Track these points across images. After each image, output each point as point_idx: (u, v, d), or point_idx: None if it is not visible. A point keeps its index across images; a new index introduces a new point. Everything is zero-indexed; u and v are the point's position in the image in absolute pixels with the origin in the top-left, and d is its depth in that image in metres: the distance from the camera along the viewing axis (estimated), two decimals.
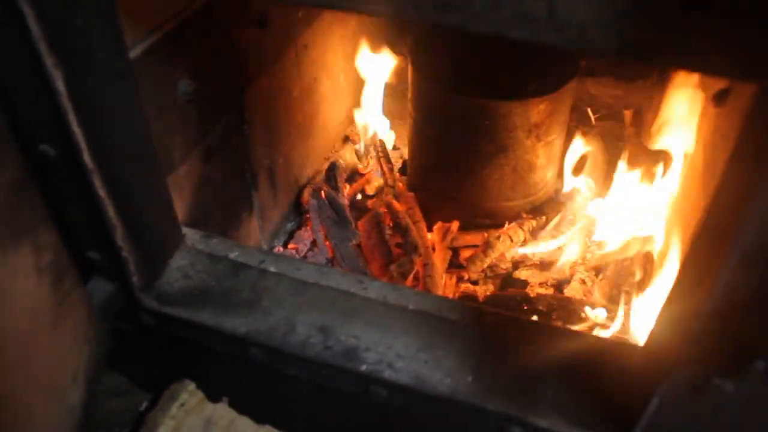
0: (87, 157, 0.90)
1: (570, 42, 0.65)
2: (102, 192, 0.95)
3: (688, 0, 0.57)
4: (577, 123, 2.34)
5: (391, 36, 2.23)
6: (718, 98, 1.30)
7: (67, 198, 0.97)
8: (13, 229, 0.85)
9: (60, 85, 0.83)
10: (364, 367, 1.01)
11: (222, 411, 1.14)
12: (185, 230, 1.21)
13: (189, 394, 1.14)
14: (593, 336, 1.10)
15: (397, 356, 1.02)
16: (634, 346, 1.05)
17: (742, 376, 0.78)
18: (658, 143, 1.65)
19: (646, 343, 0.94)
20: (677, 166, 1.54)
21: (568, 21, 0.63)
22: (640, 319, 1.44)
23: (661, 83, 2.17)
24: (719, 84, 1.25)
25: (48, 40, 0.78)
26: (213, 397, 1.17)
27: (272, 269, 1.16)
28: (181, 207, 1.32)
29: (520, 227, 1.78)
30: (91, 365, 1.04)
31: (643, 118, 2.15)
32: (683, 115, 1.55)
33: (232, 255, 1.19)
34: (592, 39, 0.64)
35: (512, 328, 1.07)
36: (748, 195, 0.64)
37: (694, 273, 0.77)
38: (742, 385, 0.79)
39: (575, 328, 1.45)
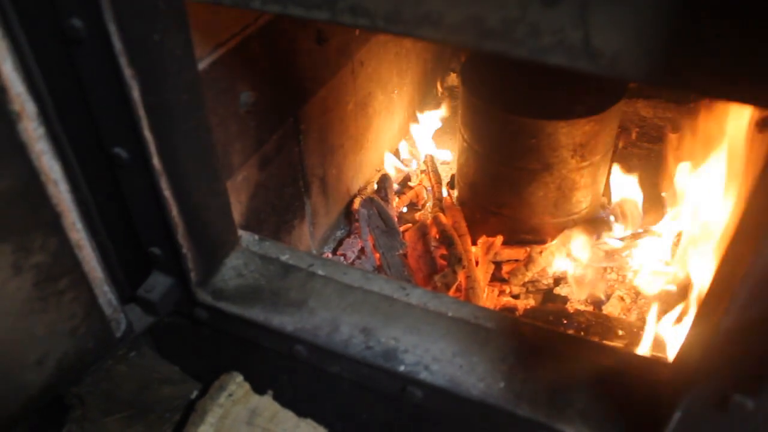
0: (156, 161, 0.98)
1: (603, 69, 0.69)
2: (167, 193, 1.02)
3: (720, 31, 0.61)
4: (626, 145, 2.36)
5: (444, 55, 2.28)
6: (763, 124, 1.32)
7: (134, 197, 1.05)
8: None
9: (135, 94, 0.91)
10: (402, 368, 1.06)
11: (266, 403, 1.20)
12: (241, 232, 1.28)
13: (236, 385, 1.21)
14: (624, 351, 1.13)
15: (433, 359, 1.07)
16: (664, 363, 1.07)
17: (762, 395, 0.80)
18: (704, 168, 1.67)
19: (675, 359, 0.97)
20: (721, 191, 1.55)
21: (602, 50, 0.68)
22: (674, 338, 1.46)
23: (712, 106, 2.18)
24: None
25: (128, 54, 0.86)
26: (258, 389, 1.23)
27: (320, 272, 1.22)
28: (237, 210, 1.40)
29: (563, 244, 1.81)
30: (72, 355, 1.10)
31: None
32: (729, 139, 1.56)
33: (284, 257, 1.25)
34: (624, 67, 0.68)
35: (545, 339, 1.10)
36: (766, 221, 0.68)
37: (717, 290, 0.80)
38: (763, 404, 0.81)
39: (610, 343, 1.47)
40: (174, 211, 1.05)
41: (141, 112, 0.93)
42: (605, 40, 0.67)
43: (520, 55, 0.72)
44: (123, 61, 0.87)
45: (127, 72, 0.88)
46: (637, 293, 1.74)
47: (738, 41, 0.60)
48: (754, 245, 0.69)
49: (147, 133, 0.95)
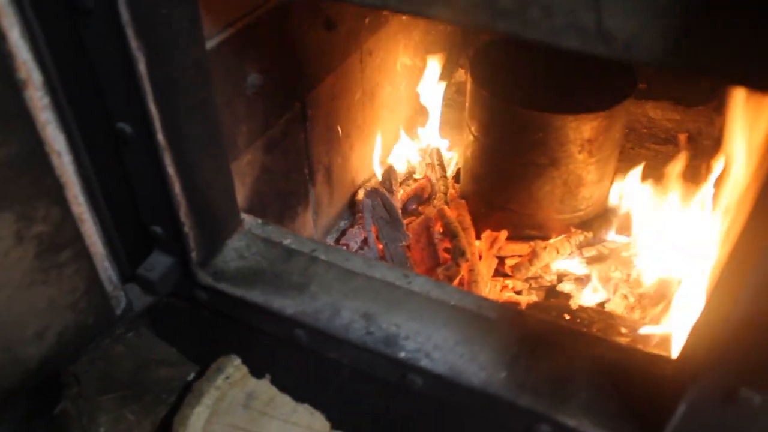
0: (160, 136, 0.97)
1: (616, 52, 0.68)
2: (171, 170, 1.01)
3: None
4: (633, 145, 2.35)
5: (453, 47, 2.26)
6: None
7: (138, 173, 1.05)
8: None
9: (142, 67, 0.90)
10: (402, 354, 1.05)
11: (264, 387, 1.19)
12: (244, 215, 1.27)
13: (234, 368, 1.20)
14: (628, 346, 1.12)
15: (435, 347, 1.06)
16: (668, 358, 1.06)
17: None
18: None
19: (680, 352, 0.96)
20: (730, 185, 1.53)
21: (615, 33, 0.67)
22: (678, 334, 1.44)
23: (722, 108, 2.17)
24: None
25: (135, 26, 0.85)
26: (256, 373, 1.22)
27: (323, 257, 1.21)
28: (241, 193, 1.39)
29: (568, 240, 1.80)
30: (72, 330, 1.09)
31: (700, 143, 2.14)
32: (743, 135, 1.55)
33: (286, 242, 1.24)
34: (637, 50, 0.67)
35: (548, 331, 1.09)
36: None
37: (726, 280, 0.78)
38: None
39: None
40: (177, 188, 1.04)
41: (147, 86, 0.92)
42: (618, 22, 0.66)
43: (533, 37, 0.71)
44: (130, 32, 0.86)
45: (134, 44, 0.87)
46: (641, 291, 1.73)
47: (755, 23, 0.59)
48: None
49: (152, 108, 0.94)
